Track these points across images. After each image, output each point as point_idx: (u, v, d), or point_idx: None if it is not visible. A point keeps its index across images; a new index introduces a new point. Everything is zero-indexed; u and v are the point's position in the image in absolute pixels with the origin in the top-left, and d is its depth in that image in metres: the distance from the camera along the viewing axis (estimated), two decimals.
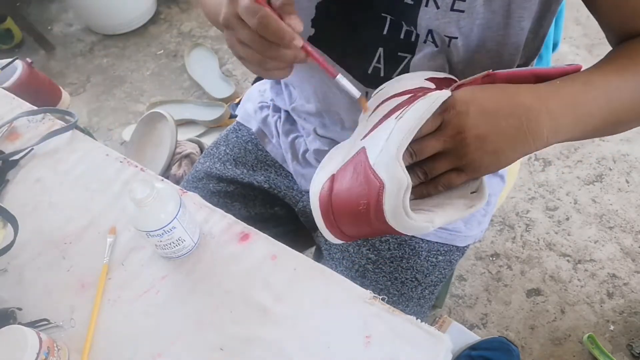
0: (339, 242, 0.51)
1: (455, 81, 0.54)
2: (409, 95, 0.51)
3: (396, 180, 0.44)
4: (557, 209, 1.52)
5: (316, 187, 0.51)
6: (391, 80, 0.56)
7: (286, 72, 0.52)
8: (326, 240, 0.79)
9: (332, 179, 0.50)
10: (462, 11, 0.54)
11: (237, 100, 1.74)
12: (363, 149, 0.49)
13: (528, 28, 0.55)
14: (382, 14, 0.58)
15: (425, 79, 0.54)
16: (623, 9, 0.54)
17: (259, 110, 0.86)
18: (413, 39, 0.58)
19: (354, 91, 0.53)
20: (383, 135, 0.47)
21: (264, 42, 0.47)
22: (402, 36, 0.58)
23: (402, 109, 0.48)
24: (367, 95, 0.64)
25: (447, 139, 0.46)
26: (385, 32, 0.59)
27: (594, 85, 0.49)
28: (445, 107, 0.46)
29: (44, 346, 0.52)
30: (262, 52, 0.48)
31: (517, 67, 0.60)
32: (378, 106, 0.53)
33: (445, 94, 0.47)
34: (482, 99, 0.46)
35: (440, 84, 0.54)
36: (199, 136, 1.67)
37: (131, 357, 0.57)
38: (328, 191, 0.49)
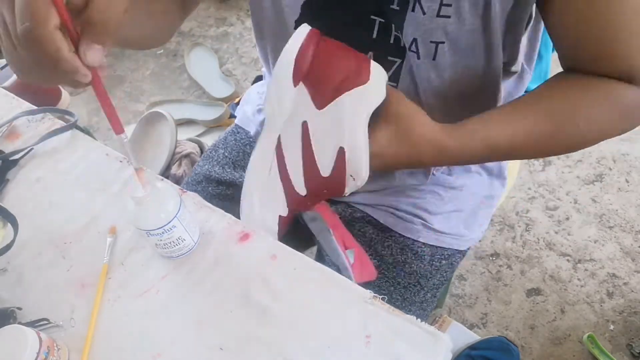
0: (290, 78, 0.54)
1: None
2: None
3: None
4: (557, 209, 1.52)
5: (302, 30, 0.53)
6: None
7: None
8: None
9: (317, 32, 0.53)
10: (449, 17, 0.54)
11: (237, 99, 1.74)
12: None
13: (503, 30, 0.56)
14: (372, 17, 0.58)
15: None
16: (569, 35, 0.55)
17: (257, 113, 0.86)
18: (402, 44, 0.58)
19: (133, 161, 0.50)
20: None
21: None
22: (391, 40, 0.58)
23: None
24: None
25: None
26: (374, 36, 0.59)
27: (475, 138, 0.55)
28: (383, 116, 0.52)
29: (43, 346, 0.52)
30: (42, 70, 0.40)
31: (502, 64, 0.60)
32: None
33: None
34: (387, 157, 0.53)
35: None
36: (198, 136, 1.67)
37: (131, 357, 0.57)
38: (315, 36, 0.52)
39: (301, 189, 0.54)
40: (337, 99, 0.50)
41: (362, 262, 0.58)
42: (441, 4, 0.53)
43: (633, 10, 0.50)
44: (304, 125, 0.51)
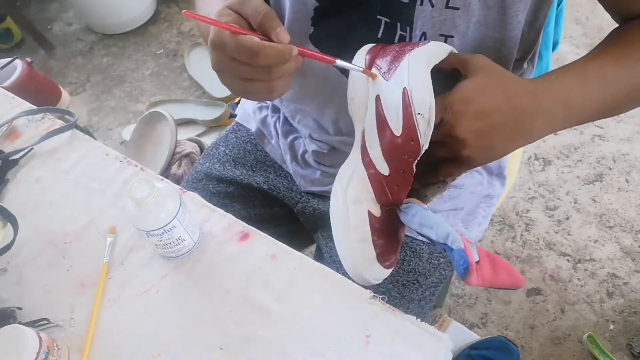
0: (363, 72, 0.54)
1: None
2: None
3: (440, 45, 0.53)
4: (557, 209, 1.52)
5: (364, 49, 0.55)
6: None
7: (288, 83, 0.53)
8: (327, 242, 0.79)
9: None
10: (457, 8, 0.54)
11: (237, 99, 1.74)
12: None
13: (523, 21, 0.55)
14: (378, 17, 0.58)
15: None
16: None
17: (257, 110, 0.86)
18: (407, 42, 0.58)
19: (357, 67, 0.53)
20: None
21: (266, 69, 0.48)
22: (396, 40, 0.58)
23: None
24: None
25: (445, 135, 0.48)
26: (380, 36, 0.59)
27: (589, 77, 0.51)
28: (444, 106, 0.47)
29: (43, 346, 0.52)
30: (268, 78, 0.49)
31: (514, 61, 0.60)
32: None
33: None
34: (480, 101, 0.47)
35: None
36: (198, 135, 1.67)
37: (131, 357, 0.57)
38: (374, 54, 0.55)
39: (382, 167, 0.51)
40: (399, 65, 0.50)
41: (495, 263, 0.51)
42: None
43: None
44: (377, 99, 0.51)
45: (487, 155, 0.50)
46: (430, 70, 0.49)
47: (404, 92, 0.48)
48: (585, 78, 0.51)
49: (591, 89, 0.51)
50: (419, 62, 0.50)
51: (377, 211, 0.52)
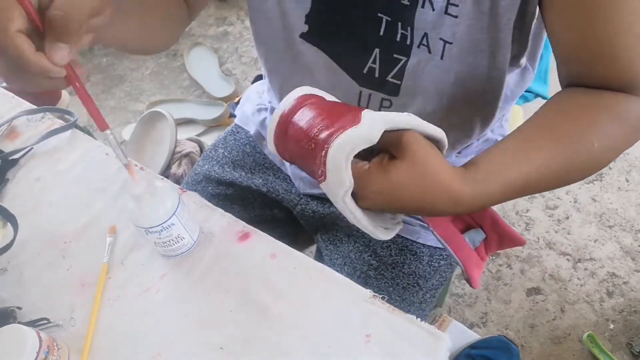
0: (274, 153, 0.53)
1: None
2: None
3: (370, 131, 0.45)
4: (556, 208, 1.52)
5: (298, 91, 0.52)
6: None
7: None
8: (327, 245, 0.78)
9: (317, 98, 0.51)
10: (456, 16, 0.54)
11: (237, 99, 1.74)
12: (362, 108, 0.50)
13: (512, 25, 0.55)
14: (379, 14, 0.58)
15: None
16: (583, 51, 0.53)
17: (256, 112, 0.86)
18: (408, 42, 0.58)
19: (121, 157, 0.50)
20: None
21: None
22: (398, 38, 0.58)
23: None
24: (360, 95, 0.64)
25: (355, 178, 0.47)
26: (381, 33, 0.59)
27: (510, 187, 0.50)
28: (365, 171, 0.46)
29: (43, 345, 0.52)
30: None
31: (511, 59, 0.59)
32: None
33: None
34: (397, 195, 0.46)
35: None
36: (198, 135, 1.67)
37: (131, 356, 0.57)
38: (301, 100, 0.50)
39: None
40: (328, 153, 0.46)
41: (501, 232, 0.53)
42: (448, 2, 0.53)
43: (634, 13, 0.49)
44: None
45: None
46: (348, 203, 0.46)
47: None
48: (507, 186, 0.49)
49: (528, 171, 0.50)
50: (336, 202, 0.47)
51: None
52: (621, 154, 0.55)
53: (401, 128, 0.46)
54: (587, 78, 0.54)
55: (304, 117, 0.49)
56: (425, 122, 0.47)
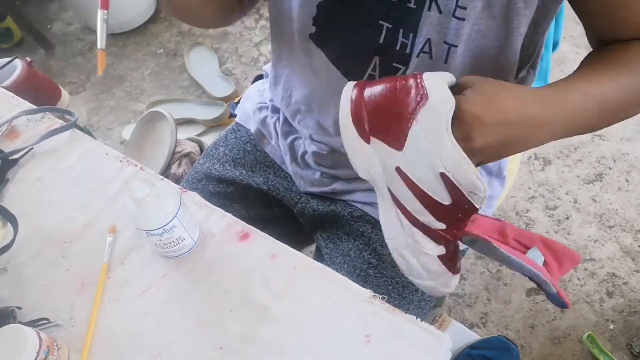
0: (359, 141, 0.51)
1: None
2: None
3: (443, 97, 0.46)
4: (556, 208, 1.52)
5: (347, 90, 0.52)
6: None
7: None
8: (327, 243, 0.79)
9: (361, 85, 0.51)
10: (463, 19, 0.54)
11: (237, 99, 1.74)
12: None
13: (524, 34, 0.55)
14: (380, 22, 0.58)
15: None
16: (612, 15, 0.54)
17: (257, 111, 0.86)
18: (408, 51, 0.58)
19: (100, 40, 0.52)
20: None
21: None
22: (397, 47, 0.58)
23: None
24: None
25: (459, 141, 0.48)
26: (381, 41, 0.59)
27: (589, 96, 0.52)
28: (461, 109, 0.47)
29: (43, 345, 0.52)
30: None
31: (517, 70, 0.60)
32: None
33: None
34: (498, 106, 0.47)
35: None
36: (198, 135, 1.67)
37: (131, 356, 0.57)
38: (360, 89, 0.51)
39: (438, 224, 0.50)
40: (408, 134, 0.47)
41: (555, 251, 0.54)
42: (457, 5, 0.53)
43: None
44: (399, 170, 0.49)
45: (494, 160, 0.52)
46: (451, 134, 0.45)
47: (444, 176, 0.46)
48: (587, 96, 0.52)
49: (591, 107, 0.52)
50: (437, 132, 0.46)
51: (442, 250, 0.53)
52: None
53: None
54: (623, 35, 0.56)
55: (376, 85, 0.50)
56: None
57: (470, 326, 1.32)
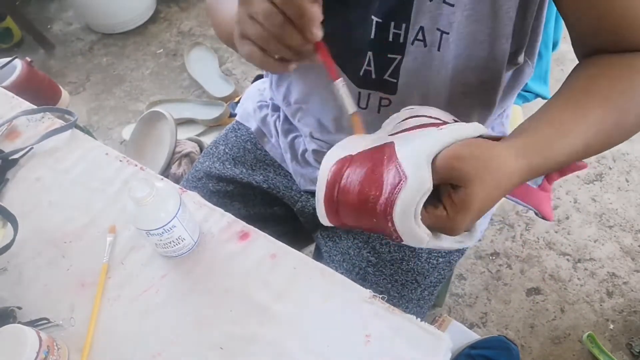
0: (328, 224, 0.52)
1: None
2: (445, 122, 0.51)
3: (420, 179, 0.43)
4: (556, 208, 1.52)
5: (329, 160, 0.51)
6: (415, 107, 0.55)
7: (287, 67, 0.52)
8: (326, 241, 0.79)
9: (349, 160, 0.50)
10: (452, 5, 0.54)
11: (237, 99, 1.74)
12: (391, 143, 0.49)
13: (515, 18, 0.55)
14: (372, 17, 0.58)
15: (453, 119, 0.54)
16: (595, 10, 0.54)
17: (258, 109, 0.86)
18: (401, 40, 0.58)
19: (350, 105, 0.52)
20: (418, 139, 0.47)
21: (279, 17, 0.46)
22: (390, 38, 0.59)
23: (443, 125, 0.49)
24: (359, 95, 0.64)
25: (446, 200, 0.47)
26: (372, 37, 0.59)
27: (567, 131, 0.51)
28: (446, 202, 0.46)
29: (43, 345, 0.52)
30: (272, 28, 0.47)
31: (509, 55, 0.59)
32: (411, 117, 0.53)
33: (483, 128, 0.48)
34: (480, 206, 0.46)
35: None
36: (198, 135, 1.67)
37: (131, 356, 0.57)
38: (338, 171, 0.49)
39: None
40: (394, 224, 0.45)
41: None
42: None
43: None
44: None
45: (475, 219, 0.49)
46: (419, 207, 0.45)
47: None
48: (565, 131, 0.50)
49: (572, 142, 0.51)
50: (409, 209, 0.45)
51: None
52: None
53: (444, 147, 0.46)
54: (613, 47, 0.55)
55: (350, 187, 0.48)
56: (456, 127, 0.47)
57: (470, 326, 1.32)
